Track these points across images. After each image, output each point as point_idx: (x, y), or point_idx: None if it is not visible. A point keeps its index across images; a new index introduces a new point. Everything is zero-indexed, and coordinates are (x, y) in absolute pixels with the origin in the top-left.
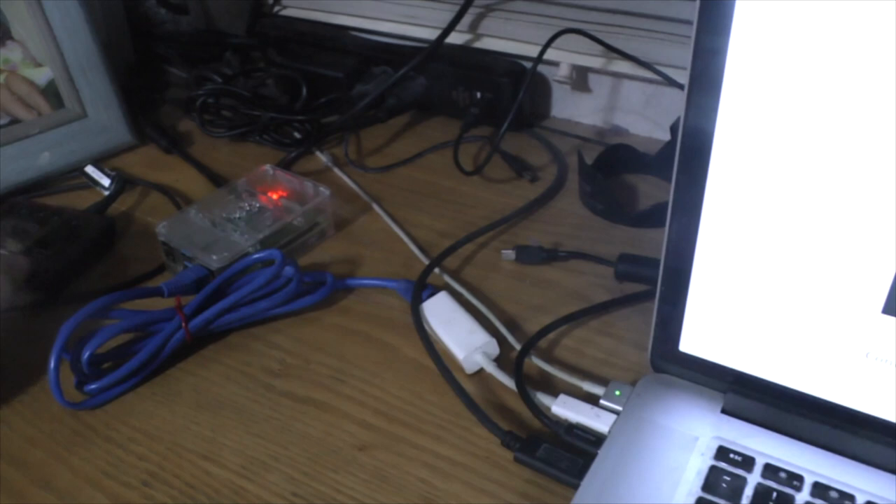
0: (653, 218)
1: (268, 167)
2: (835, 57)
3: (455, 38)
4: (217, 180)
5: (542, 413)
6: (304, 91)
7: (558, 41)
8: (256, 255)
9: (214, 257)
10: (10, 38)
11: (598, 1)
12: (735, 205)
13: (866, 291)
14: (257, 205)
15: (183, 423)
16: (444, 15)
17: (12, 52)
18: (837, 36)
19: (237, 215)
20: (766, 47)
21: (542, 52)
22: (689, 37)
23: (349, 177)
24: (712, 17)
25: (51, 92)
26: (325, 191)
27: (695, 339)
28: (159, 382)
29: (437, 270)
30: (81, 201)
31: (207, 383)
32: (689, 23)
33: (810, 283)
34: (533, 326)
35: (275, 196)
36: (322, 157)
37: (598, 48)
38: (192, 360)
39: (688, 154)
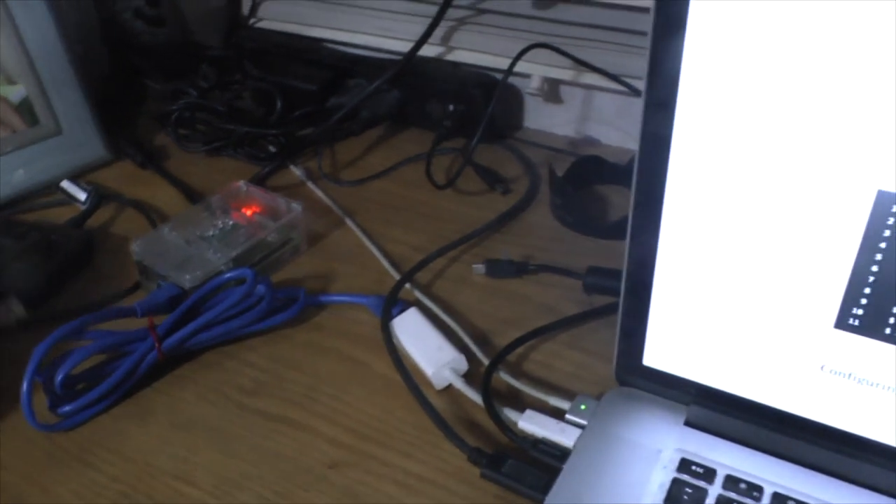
0: (622, 230)
1: (241, 183)
2: (789, 67)
3: (428, 51)
4: (192, 196)
5: (508, 429)
6: (279, 104)
7: (529, 54)
8: (228, 274)
9: (187, 276)
10: None
11: (568, 14)
12: (692, 220)
13: (819, 306)
14: (231, 222)
15: (157, 444)
16: (419, 28)
17: None
18: (793, 44)
19: (211, 233)
20: (718, 62)
21: (512, 66)
22: None
23: (323, 191)
24: (667, 29)
25: (25, 109)
26: (297, 206)
27: (658, 353)
28: (133, 402)
29: (408, 285)
30: (58, 217)
31: (181, 403)
32: None
33: (766, 297)
34: (502, 340)
35: (248, 212)
36: (296, 172)
37: (568, 61)
38: (166, 379)
39: (645, 168)
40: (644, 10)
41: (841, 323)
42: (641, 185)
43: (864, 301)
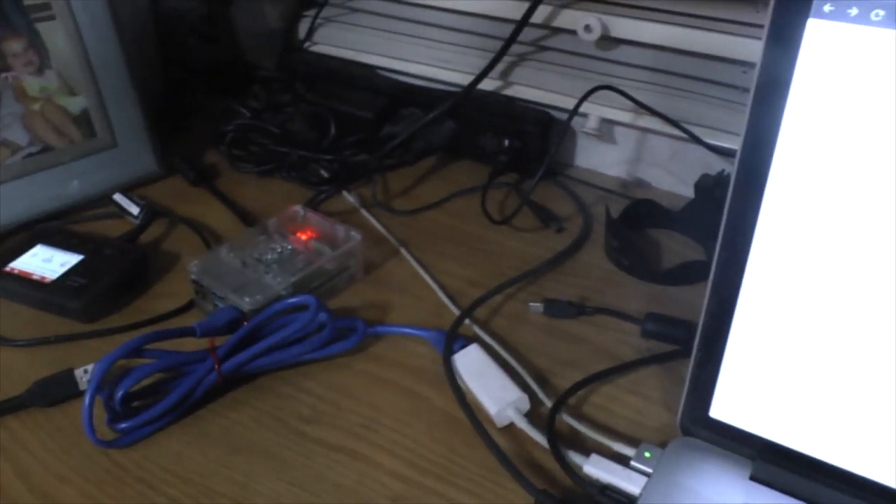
0: (678, 276)
1: (298, 208)
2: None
3: (485, 84)
4: (244, 216)
5: (574, 472)
6: (333, 129)
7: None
8: (291, 300)
9: (247, 299)
10: (49, 66)
11: (627, 56)
12: (776, 278)
13: None
14: (289, 247)
15: (214, 467)
16: (475, 60)
17: (49, 81)
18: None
19: (269, 256)
20: (817, 129)
21: (578, 106)
22: (716, 97)
23: (376, 219)
24: (768, 93)
25: (83, 120)
26: (356, 235)
27: (726, 406)
28: (190, 423)
29: (466, 321)
30: (108, 230)
31: (238, 426)
32: (717, 83)
33: (843, 357)
34: (561, 381)
35: (304, 237)
36: (350, 198)
37: (627, 103)
38: (223, 401)
39: (733, 223)
40: (702, 55)
41: None
42: (728, 239)
43: None
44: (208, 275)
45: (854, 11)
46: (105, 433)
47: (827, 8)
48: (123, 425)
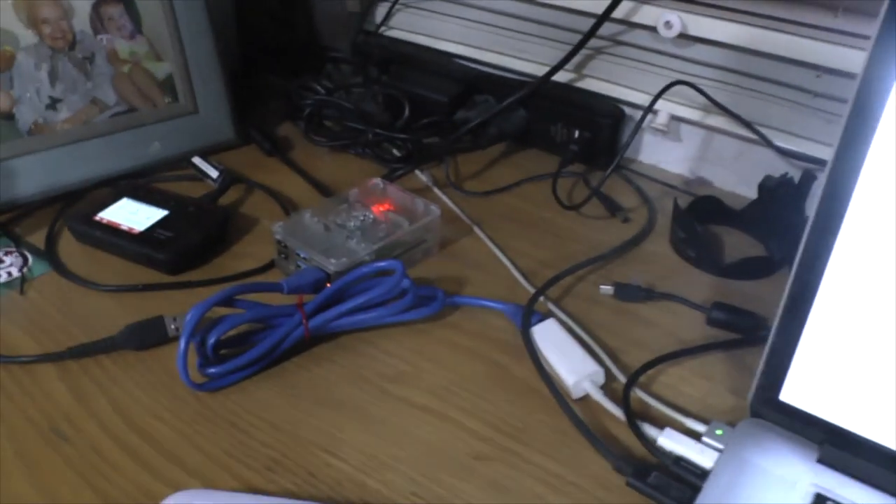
0: (740, 270)
1: (378, 180)
2: None
3: (559, 76)
4: (319, 187)
5: (649, 443)
6: (407, 111)
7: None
8: (378, 264)
9: (333, 261)
10: (140, 32)
11: (703, 54)
12: (855, 272)
13: None
14: (371, 216)
15: (303, 417)
16: (550, 52)
17: (139, 46)
18: None
19: (351, 224)
20: None
21: (654, 102)
22: (787, 99)
23: (449, 198)
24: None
25: (167, 85)
26: (436, 210)
27: (796, 390)
28: (276, 374)
29: (541, 298)
30: (188, 190)
31: (324, 381)
32: (788, 86)
33: None
34: (631, 360)
35: (383, 209)
36: (422, 177)
37: (697, 101)
38: (307, 356)
39: (822, 219)
40: (777, 57)
41: None
42: (815, 233)
43: None
44: (293, 236)
45: None
46: (196, 377)
47: None
48: (213, 370)
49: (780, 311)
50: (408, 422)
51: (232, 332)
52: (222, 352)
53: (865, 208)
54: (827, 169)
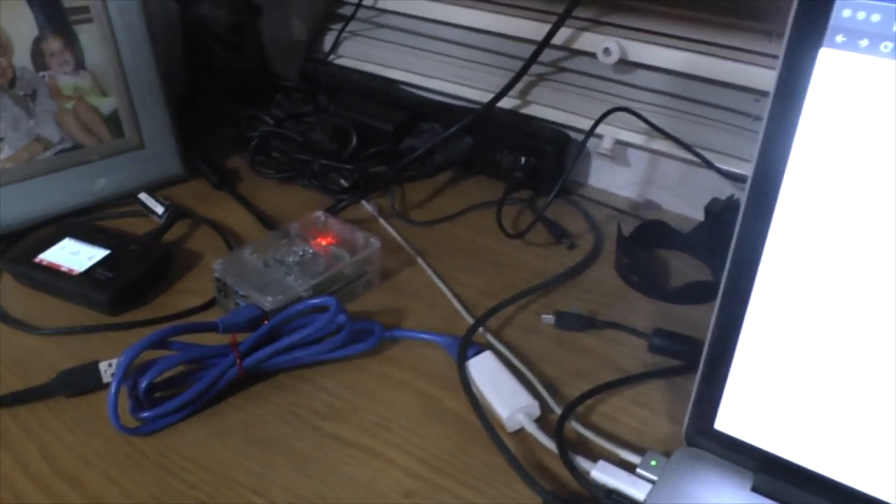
0: (685, 295)
1: (319, 214)
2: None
3: (504, 102)
4: (265, 220)
5: (581, 476)
6: (354, 140)
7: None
8: (312, 301)
9: (269, 299)
10: (84, 67)
11: (644, 80)
12: (782, 297)
13: None
14: (310, 251)
15: (233, 457)
16: (494, 78)
17: (83, 81)
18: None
19: (290, 259)
20: (827, 155)
21: (594, 127)
22: (728, 124)
23: (394, 228)
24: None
25: (112, 121)
26: (375, 242)
27: (730, 418)
28: (210, 415)
29: (480, 329)
30: (133, 227)
31: (257, 420)
32: (729, 110)
33: (846, 374)
34: (570, 390)
35: (324, 242)
36: (368, 207)
37: (641, 125)
38: (242, 396)
39: (743, 243)
40: (717, 82)
41: None
42: (737, 258)
43: None
44: (232, 273)
45: (864, 43)
46: (128, 421)
47: (839, 39)
48: (146, 414)
49: (708, 339)
50: (338, 460)
51: (168, 374)
52: (156, 394)
53: (787, 229)
54: (746, 189)
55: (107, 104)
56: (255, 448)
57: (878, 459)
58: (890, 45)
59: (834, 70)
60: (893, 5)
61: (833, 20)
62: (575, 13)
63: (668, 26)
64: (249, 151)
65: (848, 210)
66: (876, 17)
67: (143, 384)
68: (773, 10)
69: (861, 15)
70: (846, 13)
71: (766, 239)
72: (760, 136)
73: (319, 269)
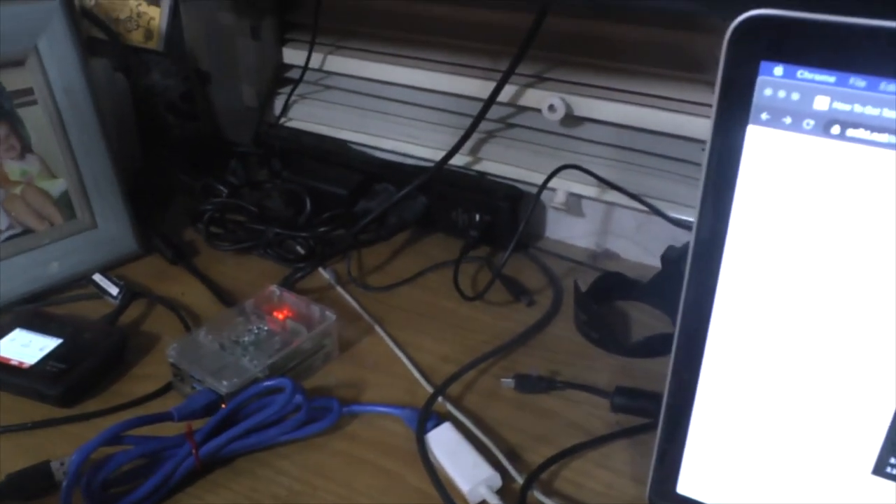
0: (645, 349)
1: (274, 288)
2: (835, 220)
3: (456, 160)
4: (222, 295)
5: None
6: (308, 206)
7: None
8: (267, 383)
9: (224, 382)
10: (30, 150)
11: (592, 133)
12: (734, 358)
13: (858, 452)
14: (265, 328)
15: None
16: (443, 136)
17: (31, 165)
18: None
19: (246, 339)
20: (763, 223)
21: (545, 184)
22: (677, 173)
23: (352, 296)
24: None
25: (63, 203)
26: (331, 315)
27: (692, 481)
28: None
29: (440, 398)
30: (88, 311)
31: None
32: (678, 160)
33: (805, 438)
34: (533, 456)
35: (280, 317)
36: (325, 275)
37: (593, 179)
38: (200, 485)
39: (691, 302)
40: (664, 133)
41: (879, 470)
42: (686, 321)
43: None
44: (186, 358)
45: (788, 120)
46: None
47: (764, 116)
48: None
49: (664, 402)
50: None
51: (124, 468)
52: (113, 491)
53: (734, 292)
54: (688, 257)
55: (56, 186)
56: None
57: None
58: (811, 122)
59: (762, 146)
60: (809, 84)
61: (756, 98)
62: (519, 70)
63: (612, 80)
64: (203, 224)
65: (788, 274)
66: (795, 96)
67: (98, 482)
68: (713, 62)
69: (781, 94)
70: (767, 92)
71: (712, 302)
72: (697, 209)
73: (276, 346)
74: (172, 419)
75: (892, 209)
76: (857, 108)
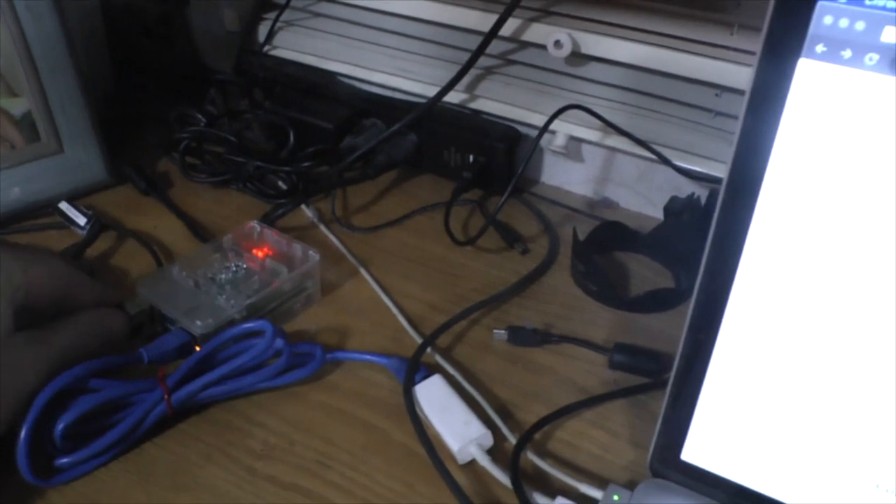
0: (646, 304)
1: (255, 224)
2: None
3: (451, 97)
4: (196, 230)
5: None
6: (292, 139)
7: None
8: (246, 325)
9: (199, 323)
10: None
11: (598, 73)
12: (756, 321)
13: (879, 421)
14: (244, 266)
15: None
16: (438, 72)
17: None
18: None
19: (223, 276)
20: (805, 168)
21: (547, 125)
22: (687, 120)
23: (335, 236)
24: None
25: (26, 124)
26: (314, 255)
27: (698, 449)
28: (134, 459)
29: (428, 349)
30: (52, 241)
31: (186, 463)
32: (689, 105)
33: (823, 407)
34: (525, 415)
35: (260, 254)
36: (308, 213)
37: (596, 121)
38: (170, 434)
39: (715, 261)
40: (676, 76)
41: None
42: (708, 277)
43: None
44: (158, 295)
45: (847, 54)
46: (42, 472)
47: (819, 49)
48: (64, 460)
49: (675, 364)
50: None
51: (88, 414)
52: (76, 438)
53: (764, 245)
54: (718, 203)
55: (18, 106)
56: (182, 495)
57: (849, 492)
58: (875, 56)
59: (813, 83)
60: (879, 12)
61: (813, 28)
62: (524, 2)
63: (624, 17)
64: (178, 154)
65: (827, 226)
66: (860, 26)
67: (59, 428)
68: (733, 2)
69: (844, 23)
70: (827, 20)
71: (740, 257)
72: (733, 150)
73: (254, 286)
74: (142, 361)
75: None
76: None
